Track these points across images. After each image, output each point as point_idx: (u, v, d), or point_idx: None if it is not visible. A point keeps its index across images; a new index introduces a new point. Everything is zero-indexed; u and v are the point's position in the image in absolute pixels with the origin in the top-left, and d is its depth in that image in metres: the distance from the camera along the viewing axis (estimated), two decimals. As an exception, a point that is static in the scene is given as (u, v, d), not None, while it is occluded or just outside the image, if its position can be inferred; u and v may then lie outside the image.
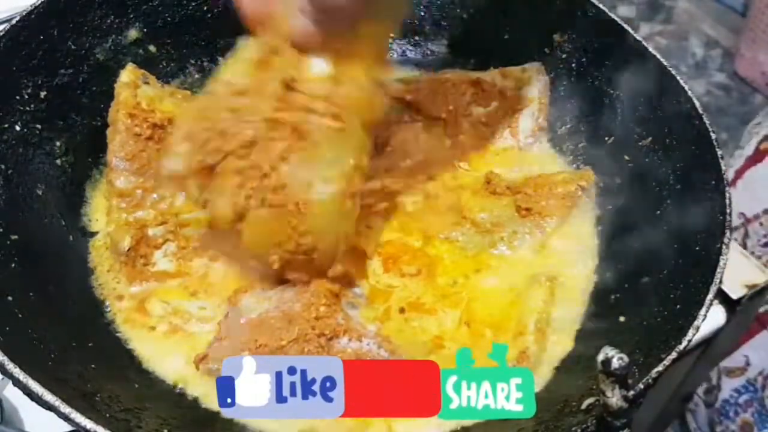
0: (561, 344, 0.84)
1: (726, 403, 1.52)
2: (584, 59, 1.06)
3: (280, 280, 0.83)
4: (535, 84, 1.08)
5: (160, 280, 0.87)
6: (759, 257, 1.31)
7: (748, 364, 1.48)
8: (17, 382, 0.64)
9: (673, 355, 0.69)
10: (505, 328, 0.85)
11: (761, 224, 1.48)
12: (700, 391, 1.56)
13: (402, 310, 0.86)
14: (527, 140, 1.07)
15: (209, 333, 0.83)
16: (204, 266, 0.89)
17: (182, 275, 0.87)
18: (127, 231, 0.88)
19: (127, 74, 0.97)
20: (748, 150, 1.57)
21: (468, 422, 0.78)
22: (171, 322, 0.84)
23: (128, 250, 0.86)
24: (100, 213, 0.94)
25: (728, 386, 1.52)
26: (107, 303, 0.85)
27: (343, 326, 0.79)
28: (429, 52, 1.21)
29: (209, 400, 0.78)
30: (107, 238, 0.90)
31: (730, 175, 1.34)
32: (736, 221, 1.51)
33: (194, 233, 0.90)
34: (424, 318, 0.86)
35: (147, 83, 0.98)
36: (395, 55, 1.21)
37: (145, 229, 0.89)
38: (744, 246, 1.48)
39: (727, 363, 1.49)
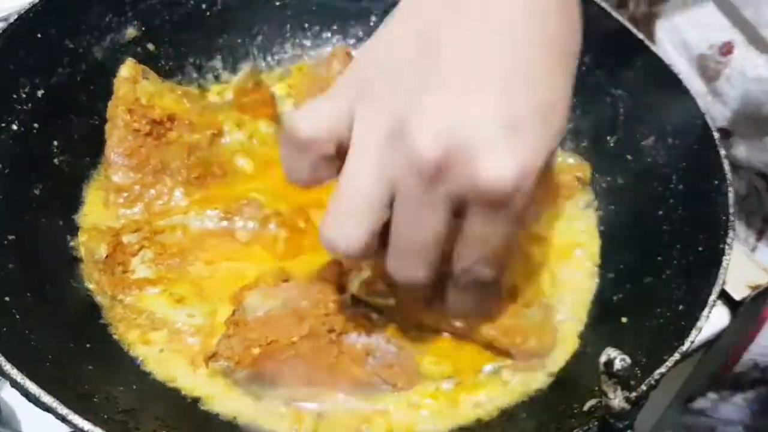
0: (563, 345, 0.84)
1: None
2: (585, 58, 1.05)
3: (282, 277, 0.83)
4: None
5: (142, 287, 0.85)
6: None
7: None
8: (14, 383, 0.63)
9: (676, 356, 0.68)
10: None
11: None
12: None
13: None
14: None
15: (199, 338, 0.82)
16: (190, 271, 0.87)
17: (163, 282, 0.86)
18: (101, 239, 0.86)
19: (127, 69, 0.96)
20: None
21: (466, 422, 0.78)
22: (159, 328, 0.82)
23: (105, 257, 0.85)
24: (98, 213, 0.93)
25: None
26: (102, 306, 0.84)
27: (352, 322, 0.79)
28: (429, 51, 1.20)
29: (209, 401, 0.77)
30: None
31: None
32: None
33: (169, 239, 0.89)
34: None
35: (147, 78, 0.98)
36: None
37: (119, 236, 0.87)
38: None
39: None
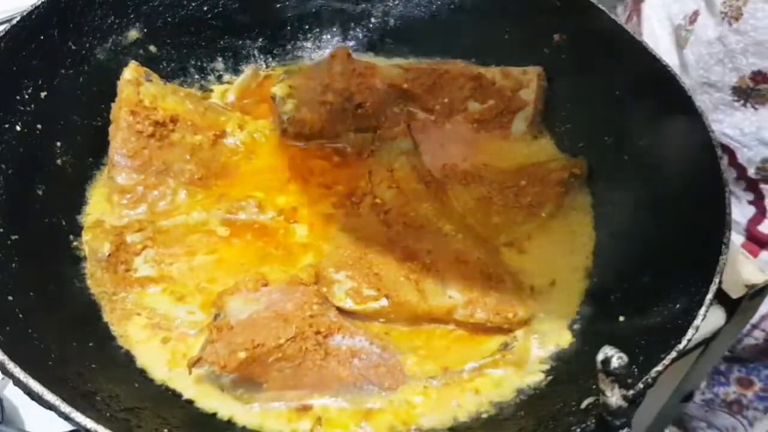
0: (559, 342, 0.85)
1: None
2: (584, 59, 1.06)
3: (262, 281, 0.83)
4: (533, 87, 1.08)
5: (144, 285, 0.86)
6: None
7: None
8: (18, 382, 0.64)
9: (673, 354, 0.68)
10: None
11: None
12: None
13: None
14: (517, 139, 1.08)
15: (199, 337, 0.82)
16: (189, 270, 0.88)
17: (165, 280, 0.87)
18: (105, 237, 0.87)
19: (130, 71, 0.97)
20: None
21: (466, 418, 0.78)
22: (160, 326, 0.83)
23: (108, 256, 0.86)
24: (101, 213, 0.94)
25: None
26: (104, 305, 0.85)
27: (336, 323, 0.80)
28: (429, 52, 1.21)
29: (202, 402, 0.78)
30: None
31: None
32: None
33: (172, 239, 0.90)
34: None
35: (150, 81, 0.98)
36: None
37: (123, 236, 0.88)
38: None
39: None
